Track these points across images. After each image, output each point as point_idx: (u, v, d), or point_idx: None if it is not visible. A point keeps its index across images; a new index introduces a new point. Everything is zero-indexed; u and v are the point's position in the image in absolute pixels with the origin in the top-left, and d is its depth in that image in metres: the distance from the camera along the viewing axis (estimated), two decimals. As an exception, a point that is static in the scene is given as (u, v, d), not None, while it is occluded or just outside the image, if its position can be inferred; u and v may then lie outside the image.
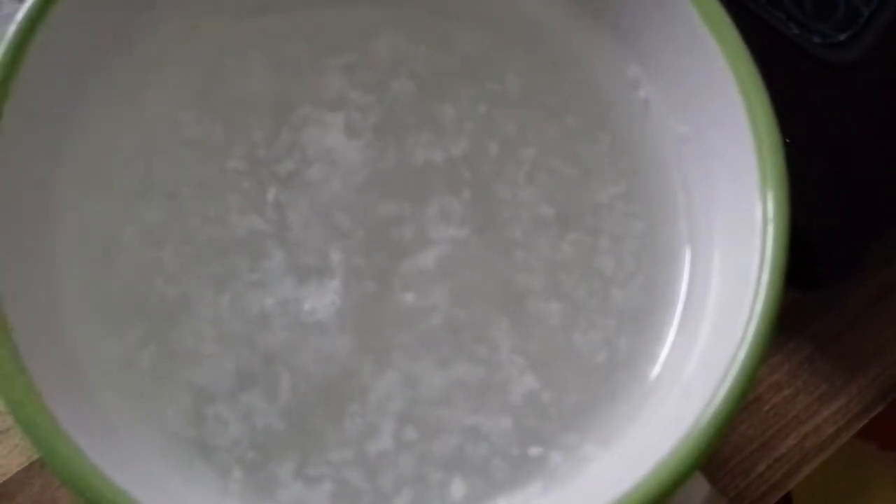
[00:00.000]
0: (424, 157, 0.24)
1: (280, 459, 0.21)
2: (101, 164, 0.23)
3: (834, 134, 0.30)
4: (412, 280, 0.23)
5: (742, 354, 0.17)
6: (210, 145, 0.24)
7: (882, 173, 0.31)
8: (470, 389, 0.22)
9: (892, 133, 0.31)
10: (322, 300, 0.22)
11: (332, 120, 0.24)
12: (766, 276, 0.18)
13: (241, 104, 0.24)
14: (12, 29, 0.20)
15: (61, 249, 0.22)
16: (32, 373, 0.18)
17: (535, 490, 0.21)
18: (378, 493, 0.21)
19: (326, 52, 0.24)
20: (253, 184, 0.23)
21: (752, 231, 0.19)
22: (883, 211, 0.31)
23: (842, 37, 0.30)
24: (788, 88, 0.29)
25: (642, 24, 0.23)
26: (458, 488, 0.21)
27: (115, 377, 0.22)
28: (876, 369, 0.33)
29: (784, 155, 0.19)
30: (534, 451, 0.22)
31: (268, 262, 0.23)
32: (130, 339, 0.22)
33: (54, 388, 0.18)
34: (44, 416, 0.18)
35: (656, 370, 0.22)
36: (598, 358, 0.23)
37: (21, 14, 0.20)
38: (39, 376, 0.18)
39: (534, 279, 0.23)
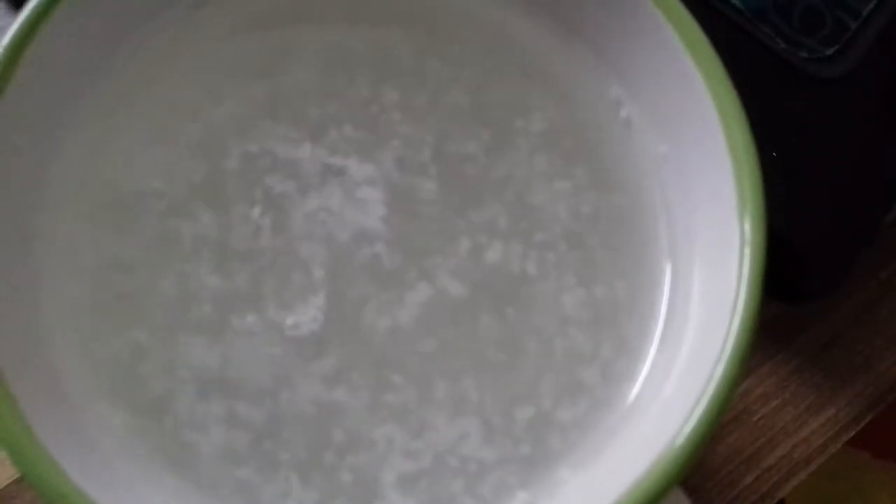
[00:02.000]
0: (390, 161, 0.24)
1: (271, 477, 0.22)
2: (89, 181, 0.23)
3: (821, 148, 0.30)
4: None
5: (718, 374, 0.18)
6: (200, 154, 0.24)
7: (869, 187, 0.31)
8: (444, 409, 0.22)
9: (878, 147, 0.31)
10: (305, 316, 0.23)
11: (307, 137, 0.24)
12: (742, 298, 0.18)
13: (234, 117, 0.24)
14: (3, 43, 0.20)
15: (45, 263, 0.22)
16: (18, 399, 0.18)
17: None
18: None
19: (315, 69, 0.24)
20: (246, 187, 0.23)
21: (731, 252, 0.19)
22: (870, 223, 0.31)
23: (829, 51, 0.30)
24: (775, 103, 0.30)
25: (623, 45, 0.23)
26: None
27: (95, 389, 0.22)
28: (864, 380, 0.33)
29: (762, 178, 0.19)
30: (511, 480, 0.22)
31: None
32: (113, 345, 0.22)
33: (38, 406, 0.19)
34: (25, 435, 0.18)
35: (636, 389, 0.22)
36: (577, 377, 0.23)
37: (12, 29, 0.21)
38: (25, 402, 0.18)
39: (513, 294, 0.23)
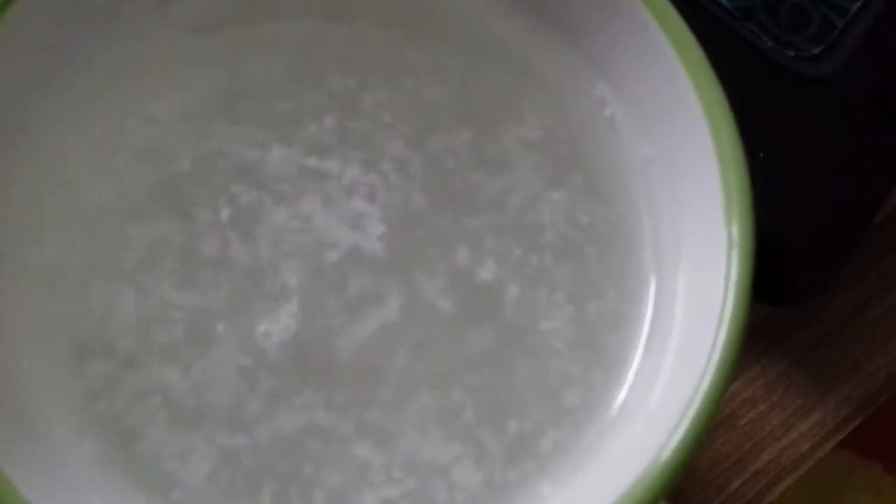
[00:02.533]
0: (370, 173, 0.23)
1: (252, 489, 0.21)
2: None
3: (809, 148, 0.30)
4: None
5: (705, 383, 0.17)
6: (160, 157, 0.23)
7: (858, 187, 0.30)
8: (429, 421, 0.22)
9: (867, 146, 0.30)
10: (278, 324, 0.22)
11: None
12: (730, 304, 0.18)
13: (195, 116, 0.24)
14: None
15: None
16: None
17: None
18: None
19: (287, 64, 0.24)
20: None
21: (718, 256, 0.19)
22: (859, 224, 0.31)
23: (816, 50, 0.30)
24: (762, 102, 0.30)
25: (608, 42, 0.22)
26: None
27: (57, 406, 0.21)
28: (852, 384, 0.33)
29: (749, 180, 0.19)
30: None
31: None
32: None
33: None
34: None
35: (620, 399, 0.21)
36: (559, 386, 0.22)
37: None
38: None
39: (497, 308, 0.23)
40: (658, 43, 0.20)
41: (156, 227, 0.23)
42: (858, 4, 0.30)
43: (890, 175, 0.31)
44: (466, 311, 0.22)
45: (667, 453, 0.17)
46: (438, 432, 0.22)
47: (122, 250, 0.22)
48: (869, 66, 0.30)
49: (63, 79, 0.23)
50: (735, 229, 0.18)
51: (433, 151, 0.23)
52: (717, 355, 0.17)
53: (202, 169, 0.23)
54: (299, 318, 0.22)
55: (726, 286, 0.18)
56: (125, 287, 0.22)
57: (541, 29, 0.24)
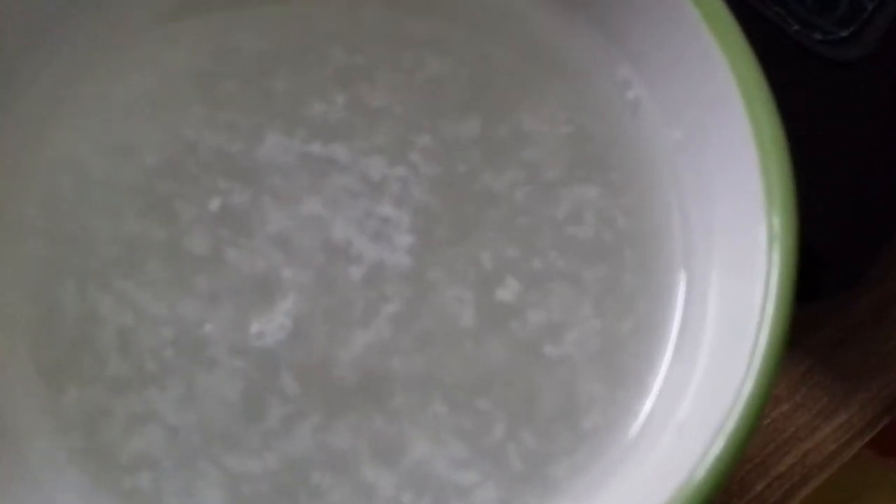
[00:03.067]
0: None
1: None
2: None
3: (837, 136, 0.29)
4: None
5: (745, 394, 0.16)
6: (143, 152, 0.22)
7: (888, 178, 0.30)
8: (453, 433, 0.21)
9: (898, 134, 0.30)
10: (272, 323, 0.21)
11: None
12: (771, 306, 0.16)
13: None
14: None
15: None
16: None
17: None
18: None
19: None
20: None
21: (755, 254, 0.17)
22: (889, 216, 0.30)
23: (844, 33, 0.29)
24: (788, 88, 0.28)
25: (634, 21, 0.21)
26: None
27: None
28: (879, 382, 0.32)
29: (791, 167, 0.17)
30: None
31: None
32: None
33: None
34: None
35: (646, 408, 0.20)
36: (581, 394, 0.21)
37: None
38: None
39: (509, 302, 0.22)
40: (690, 20, 0.19)
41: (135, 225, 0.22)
42: (888, -16, 0.29)
43: (923, 165, 0.30)
44: (486, 320, 0.21)
45: (702, 471, 0.16)
46: (453, 447, 0.21)
47: (95, 250, 0.22)
48: (900, 50, 0.29)
49: (30, 73, 0.22)
50: (777, 222, 0.17)
51: (445, 139, 0.22)
52: (757, 361, 0.16)
53: (180, 161, 0.22)
54: (294, 326, 0.21)
55: (766, 285, 0.17)
56: (102, 292, 0.21)
57: (559, 6, 0.23)
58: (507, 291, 0.22)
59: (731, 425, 0.16)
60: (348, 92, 0.23)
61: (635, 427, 0.20)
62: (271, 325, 0.21)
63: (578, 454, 0.20)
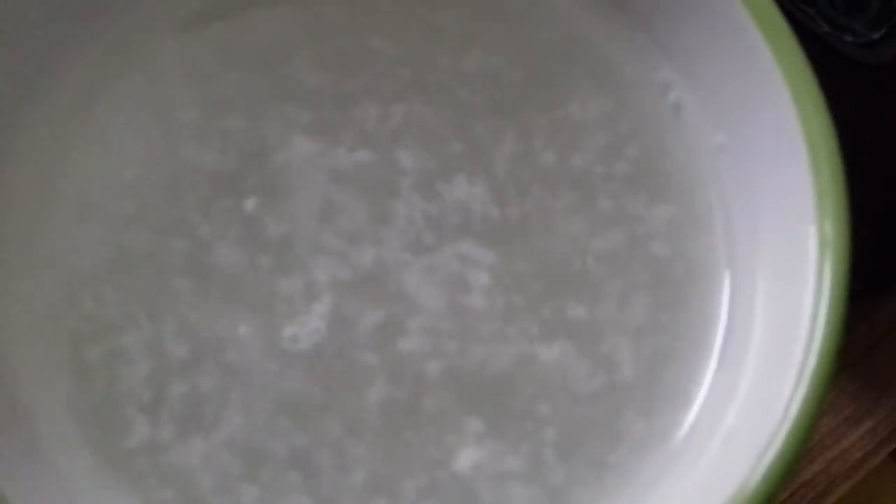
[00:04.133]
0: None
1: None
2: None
3: (868, 139, 0.29)
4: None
5: (797, 404, 0.15)
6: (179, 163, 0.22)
7: None
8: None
9: (928, 139, 0.29)
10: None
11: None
12: (823, 312, 0.16)
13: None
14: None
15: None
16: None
17: None
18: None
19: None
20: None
21: (805, 260, 0.17)
22: None
23: (875, 35, 0.29)
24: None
25: (677, 20, 0.21)
26: None
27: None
28: (907, 389, 0.31)
29: (843, 169, 0.17)
30: None
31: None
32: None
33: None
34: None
35: (692, 415, 0.19)
36: (623, 403, 0.21)
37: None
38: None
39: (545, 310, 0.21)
40: (738, 19, 0.18)
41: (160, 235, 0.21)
42: (920, -14, 0.29)
43: (955, 170, 0.29)
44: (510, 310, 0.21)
45: (752, 484, 0.15)
46: (496, 453, 0.20)
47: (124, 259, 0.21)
48: (932, 52, 0.29)
49: (49, 86, 0.22)
50: (829, 227, 0.16)
51: (481, 141, 0.22)
52: (809, 370, 0.15)
53: (209, 172, 0.22)
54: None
55: (818, 291, 0.16)
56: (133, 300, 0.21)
57: (599, 5, 0.22)
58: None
59: (782, 436, 0.15)
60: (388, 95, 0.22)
61: (680, 436, 0.20)
62: (305, 329, 0.21)
63: (622, 464, 0.20)
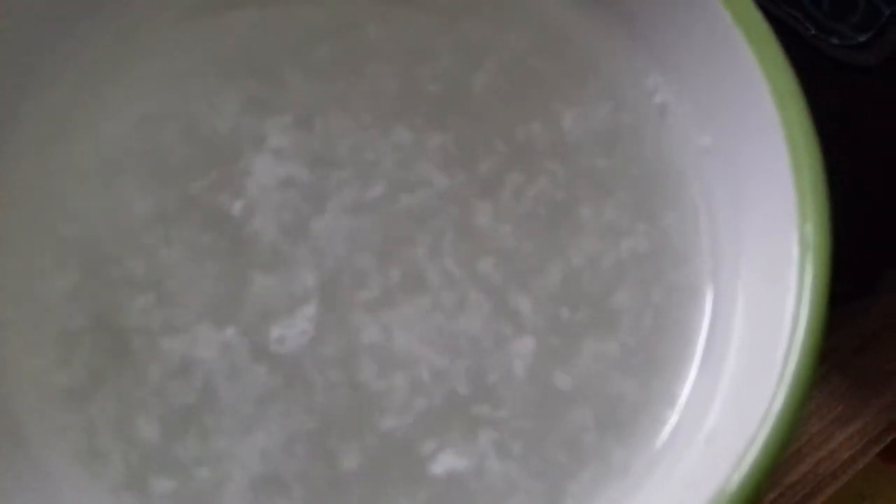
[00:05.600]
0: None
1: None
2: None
3: (854, 141, 0.29)
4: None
5: (778, 404, 0.15)
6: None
7: None
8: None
9: (915, 141, 0.29)
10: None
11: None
12: (805, 312, 0.16)
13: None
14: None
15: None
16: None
17: None
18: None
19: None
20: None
21: (787, 262, 0.17)
22: None
23: (862, 38, 0.29)
24: (805, 93, 0.28)
25: (662, 22, 0.21)
26: None
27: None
28: (895, 389, 0.32)
29: (825, 172, 0.17)
30: None
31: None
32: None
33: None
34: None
35: (675, 417, 0.20)
36: (607, 405, 0.21)
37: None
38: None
39: (536, 315, 0.21)
40: (718, 19, 0.18)
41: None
42: (906, -12, 0.29)
43: (942, 172, 0.29)
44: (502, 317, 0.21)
45: (734, 484, 0.15)
46: (483, 454, 0.20)
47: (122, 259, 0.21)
48: (918, 56, 0.29)
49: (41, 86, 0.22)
50: (810, 229, 0.17)
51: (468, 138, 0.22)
52: (791, 370, 0.16)
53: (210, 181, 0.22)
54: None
55: (799, 292, 0.16)
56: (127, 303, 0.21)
57: (585, 4, 0.22)
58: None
59: (763, 436, 0.15)
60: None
61: (662, 437, 0.20)
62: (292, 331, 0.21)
63: (605, 465, 0.20)
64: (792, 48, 0.29)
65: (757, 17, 0.18)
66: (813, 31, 0.28)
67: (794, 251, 0.17)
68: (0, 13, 0.20)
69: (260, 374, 0.20)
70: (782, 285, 0.17)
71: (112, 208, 0.22)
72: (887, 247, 0.30)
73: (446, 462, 0.20)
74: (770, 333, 0.17)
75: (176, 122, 0.22)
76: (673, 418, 0.20)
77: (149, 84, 0.22)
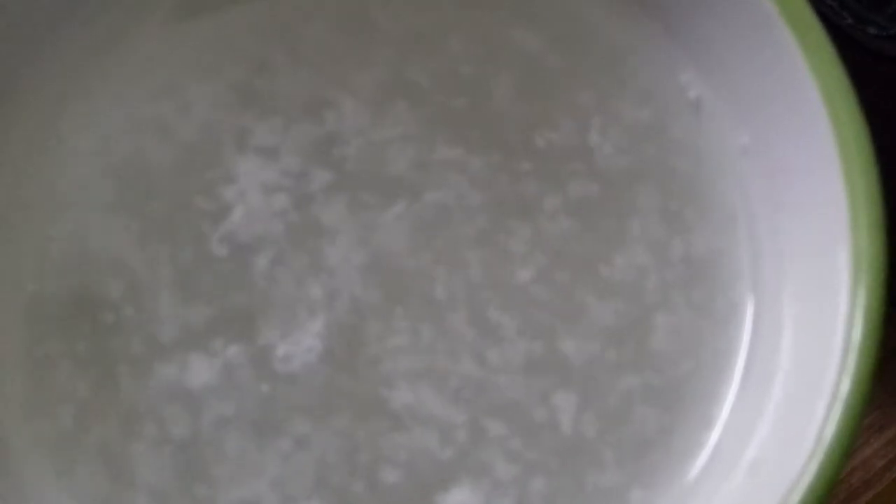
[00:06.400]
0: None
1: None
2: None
3: (890, 134, 0.28)
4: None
5: (829, 433, 0.14)
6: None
7: None
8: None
9: (955, 134, 0.29)
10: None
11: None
12: (858, 332, 0.15)
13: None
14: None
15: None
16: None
17: None
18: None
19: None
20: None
21: (836, 275, 0.15)
22: None
23: None
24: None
25: (699, 13, 0.19)
26: None
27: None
28: (931, 396, 0.31)
29: (881, 181, 0.16)
30: None
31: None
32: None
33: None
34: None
35: (714, 437, 0.18)
36: (641, 429, 0.19)
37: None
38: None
39: (564, 323, 0.20)
40: (763, 12, 0.17)
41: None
42: (945, -23, 0.29)
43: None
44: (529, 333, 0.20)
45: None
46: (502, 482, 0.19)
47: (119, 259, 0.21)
48: (957, 45, 0.28)
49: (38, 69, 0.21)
50: (864, 239, 0.15)
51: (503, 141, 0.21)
52: (843, 396, 0.14)
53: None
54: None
55: (851, 311, 0.15)
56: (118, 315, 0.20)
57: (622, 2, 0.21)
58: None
59: (814, 468, 0.14)
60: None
61: (699, 463, 0.18)
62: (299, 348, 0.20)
63: (636, 492, 0.19)
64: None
65: (803, 5, 0.16)
66: (849, 21, 0.28)
67: (845, 262, 0.16)
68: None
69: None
70: (832, 304, 0.16)
71: (92, 230, 0.21)
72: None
73: (460, 498, 0.19)
74: (819, 353, 0.16)
75: (155, 128, 0.21)
76: (712, 440, 0.18)
77: (130, 90, 0.22)
